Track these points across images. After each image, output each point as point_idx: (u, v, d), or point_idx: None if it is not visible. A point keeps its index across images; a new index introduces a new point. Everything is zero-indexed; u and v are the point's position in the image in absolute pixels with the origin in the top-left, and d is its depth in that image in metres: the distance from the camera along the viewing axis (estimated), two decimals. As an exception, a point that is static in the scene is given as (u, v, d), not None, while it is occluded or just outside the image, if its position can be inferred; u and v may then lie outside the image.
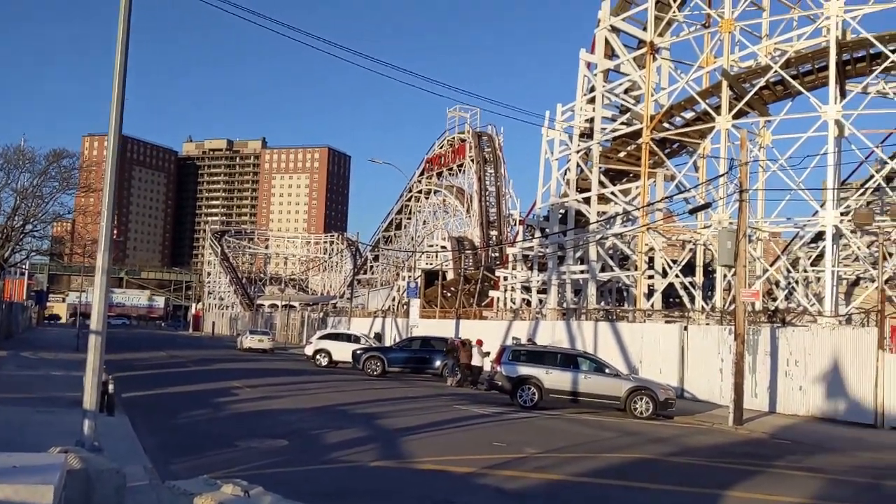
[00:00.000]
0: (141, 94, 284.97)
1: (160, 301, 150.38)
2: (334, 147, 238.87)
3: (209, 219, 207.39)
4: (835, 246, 31.35)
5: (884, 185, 34.27)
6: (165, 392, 23.12)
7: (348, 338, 41.79)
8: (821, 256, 34.25)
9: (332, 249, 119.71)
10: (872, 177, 34.14)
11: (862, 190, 35.32)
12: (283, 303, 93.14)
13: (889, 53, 31.04)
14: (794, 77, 33.80)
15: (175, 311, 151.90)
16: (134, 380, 25.38)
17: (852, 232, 32.22)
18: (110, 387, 16.05)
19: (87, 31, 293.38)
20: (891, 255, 33.23)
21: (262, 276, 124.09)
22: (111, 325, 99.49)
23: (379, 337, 46.48)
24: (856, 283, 37.18)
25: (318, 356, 39.96)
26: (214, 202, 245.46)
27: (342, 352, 39.10)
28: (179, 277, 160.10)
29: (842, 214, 31.35)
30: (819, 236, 34.28)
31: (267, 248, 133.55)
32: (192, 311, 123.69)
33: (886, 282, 30.03)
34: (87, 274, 71.01)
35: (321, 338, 42.48)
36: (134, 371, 29.49)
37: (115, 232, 11.48)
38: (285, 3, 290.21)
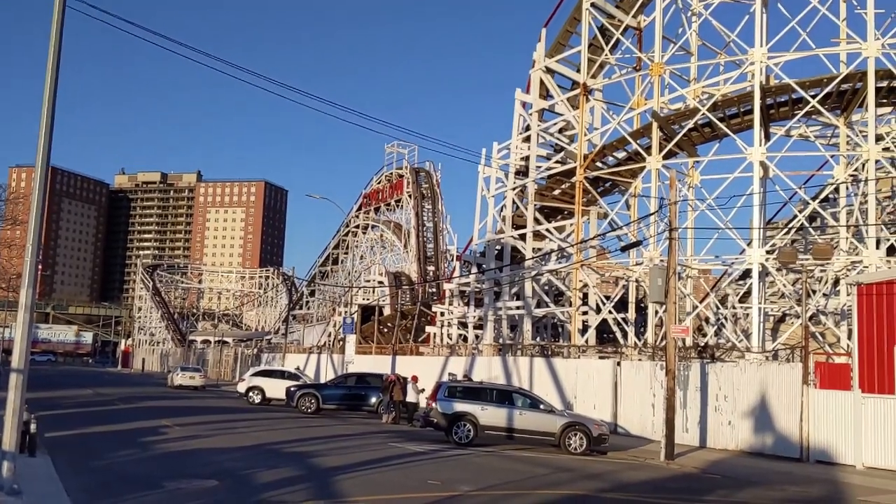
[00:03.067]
0: (72, 125, 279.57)
1: (88, 337, 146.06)
2: (271, 181, 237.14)
3: (141, 253, 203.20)
4: (761, 283, 32.26)
5: (807, 224, 35.52)
6: (91, 431, 22.41)
7: (282, 374, 41.19)
8: (748, 293, 35.18)
9: (268, 284, 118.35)
10: (796, 216, 35.35)
11: (786, 229, 36.51)
12: (216, 339, 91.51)
13: (810, 98, 32.35)
14: (720, 120, 34.94)
15: (104, 347, 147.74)
16: (58, 419, 24.55)
17: (778, 270, 33.21)
18: (32, 426, 15.50)
19: (14, 59, 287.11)
20: (814, 292, 34.33)
21: (194, 311, 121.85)
22: (36, 361, 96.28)
23: (298, 371, 45.58)
24: (782, 319, 38.27)
25: (251, 393, 39.28)
26: (147, 236, 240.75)
27: (276, 389, 38.49)
28: (109, 313, 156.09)
29: (767, 253, 32.31)
30: (746, 274, 35.26)
31: (200, 282, 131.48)
32: (122, 347, 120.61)
33: (810, 318, 31.00)
34: (10, 309, 68.78)
35: (254, 374, 41.80)
36: (58, 410, 28.54)
37: (41, 267, 11.21)
38: (220, 36, 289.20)
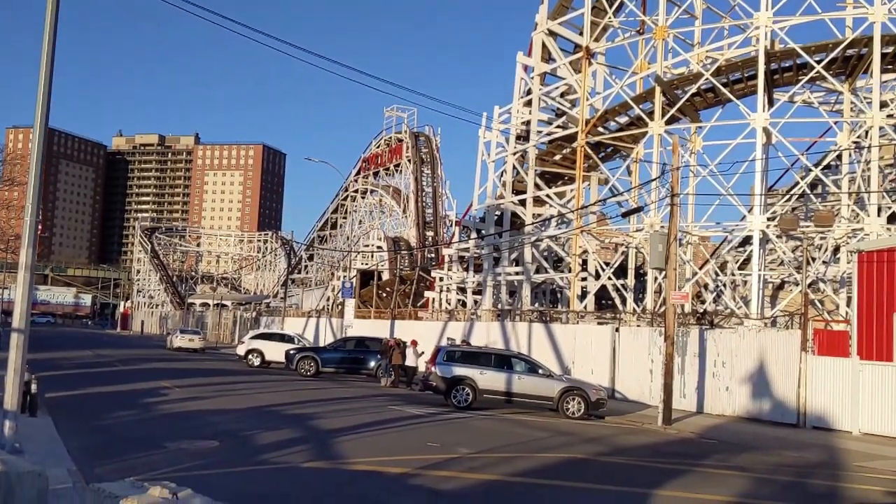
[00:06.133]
0: (69, 86, 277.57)
1: (87, 299, 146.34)
2: (269, 144, 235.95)
3: (139, 215, 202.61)
4: (761, 250, 32.21)
5: (808, 191, 35.39)
6: (91, 392, 22.50)
7: (281, 338, 41.28)
8: (748, 260, 35.17)
9: (266, 248, 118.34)
10: (797, 183, 35.20)
11: (788, 196, 36.39)
12: (215, 302, 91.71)
13: (815, 64, 32.05)
14: (724, 85, 34.65)
15: (103, 310, 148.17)
16: (58, 379, 24.64)
17: (778, 237, 33.16)
18: (33, 386, 15.55)
19: (11, 18, 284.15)
20: (814, 259, 34.33)
21: (193, 274, 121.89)
22: (35, 323, 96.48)
23: (297, 334, 45.16)
24: (781, 286, 38.31)
25: (250, 356, 39.39)
26: (145, 198, 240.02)
27: (275, 352, 38.61)
28: (108, 275, 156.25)
29: (768, 220, 32.23)
30: (746, 240, 35.23)
31: (199, 245, 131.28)
32: (121, 309, 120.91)
33: (810, 286, 31.03)
34: (9, 270, 68.91)
35: (254, 337, 41.87)
36: (59, 370, 28.64)
37: (40, 227, 11.14)
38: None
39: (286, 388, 26.80)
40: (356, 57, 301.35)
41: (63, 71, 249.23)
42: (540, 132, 42.75)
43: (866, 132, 32.64)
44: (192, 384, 26.41)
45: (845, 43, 32.21)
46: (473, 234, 48.41)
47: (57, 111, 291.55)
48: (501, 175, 45.30)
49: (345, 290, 51.39)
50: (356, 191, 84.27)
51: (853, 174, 34.91)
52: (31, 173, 10.72)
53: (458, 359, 23.95)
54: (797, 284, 33.41)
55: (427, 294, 53.05)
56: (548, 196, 42.52)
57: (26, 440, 11.34)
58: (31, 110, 10.76)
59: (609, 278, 37.88)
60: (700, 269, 37.13)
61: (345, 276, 64.59)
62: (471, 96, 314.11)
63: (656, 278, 34.69)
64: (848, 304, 29.19)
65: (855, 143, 34.17)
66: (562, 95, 43.68)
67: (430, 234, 68.81)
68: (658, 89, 35.28)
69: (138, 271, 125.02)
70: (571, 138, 40.24)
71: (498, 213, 45.67)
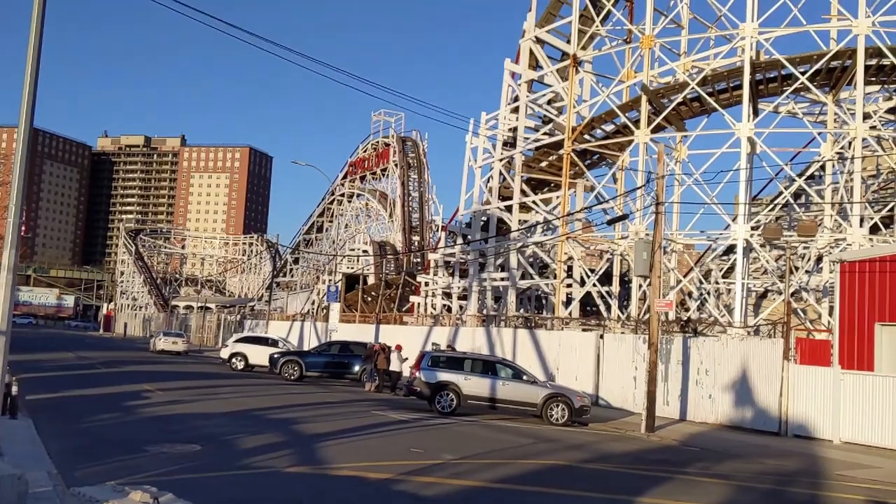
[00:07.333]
0: (55, 86, 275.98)
1: (70, 300, 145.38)
2: (256, 147, 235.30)
3: (124, 217, 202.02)
4: (745, 259, 32.41)
5: (792, 201, 35.62)
6: (73, 395, 22.34)
7: (265, 341, 41.16)
8: (732, 269, 35.39)
9: (252, 251, 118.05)
10: (781, 193, 35.46)
11: (771, 206, 36.64)
12: (199, 304, 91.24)
13: (799, 75, 32.31)
14: (710, 94, 34.88)
15: (85, 311, 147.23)
16: (40, 381, 24.46)
17: (762, 246, 33.38)
18: (14, 388, 15.42)
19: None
20: (797, 269, 34.55)
21: (177, 276, 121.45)
22: (16, 324, 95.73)
23: (282, 338, 45.07)
24: (764, 295, 38.53)
25: (234, 360, 39.24)
26: (130, 200, 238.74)
27: (259, 355, 38.47)
28: (91, 276, 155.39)
29: (752, 229, 32.43)
30: (730, 249, 35.41)
31: (183, 248, 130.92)
32: (104, 311, 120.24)
33: (792, 295, 31.22)
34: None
35: (237, 341, 41.72)
36: (40, 372, 28.44)
37: (24, 228, 11.07)
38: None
39: (270, 392, 26.71)
40: (344, 60, 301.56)
41: (47, 69, 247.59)
42: (527, 139, 42.86)
43: (849, 143, 32.92)
44: (175, 387, 26.27)
45: (830, 55, 32.50)
46: (459, 240, 48.43)
47: (41, 110, 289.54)
48: (488, 181, 45.37)
49: (330, 294, 51.26)
50: (342, 194, 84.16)
51: (836, 185, 35.18)
52: (16, 173, 10.67)
53: (442, 364, 23.95)
54: (780, 293, 33.62)
55: (412, 299, 53.00)
56: (534, 202, 42.62)
57: (6, 442, 11.26)
58: (15, 109, 10.71)
59: (594, 285, 37.99)
60: (684, 276, 37.31)
61: (330, 280, 64.48)
62: (458, 102, 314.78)
63: (641, 286, 34.84)
64: (830, 314, 29.37)
65: (838, 153, 34.45)
66: (549, 102, 43.83)
67: (416, 238, 68.77)
68: (644, 98, 35.47)
69: (122, 273, 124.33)
70: (558, 145, 40.37)
71: (484, 218, 45.74)
